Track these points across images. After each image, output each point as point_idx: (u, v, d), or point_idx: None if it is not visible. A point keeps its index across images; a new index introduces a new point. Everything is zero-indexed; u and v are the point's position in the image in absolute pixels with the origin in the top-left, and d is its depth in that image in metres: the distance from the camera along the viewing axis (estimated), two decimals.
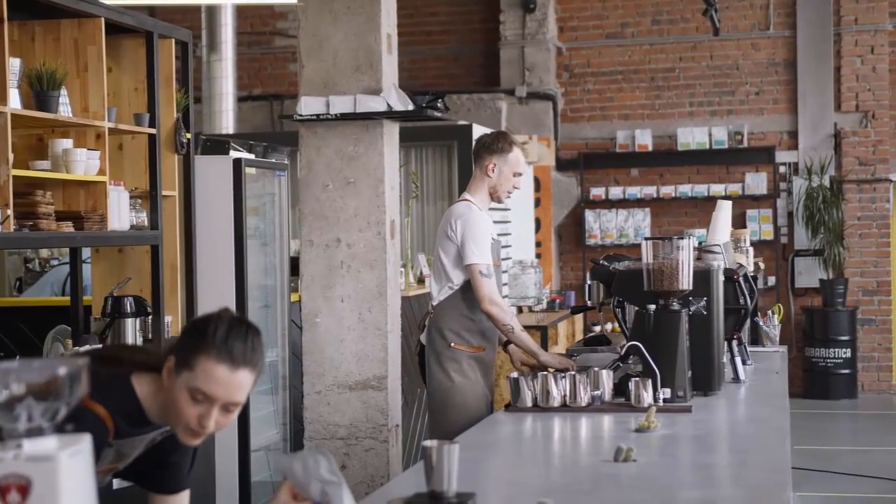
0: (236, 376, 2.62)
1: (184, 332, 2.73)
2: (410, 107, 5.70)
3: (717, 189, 12.68)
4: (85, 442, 1.75)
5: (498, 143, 5.34)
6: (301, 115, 5.74)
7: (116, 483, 4.52)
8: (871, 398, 12.54)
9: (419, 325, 5.57)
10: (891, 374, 12.81)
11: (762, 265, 10.96)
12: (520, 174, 5.36)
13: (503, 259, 6.42)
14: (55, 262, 8.31)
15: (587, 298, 5.26)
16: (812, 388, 12.44)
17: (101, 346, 5.14)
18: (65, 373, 1.74)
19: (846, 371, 12.39)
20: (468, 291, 5.22)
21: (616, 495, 3.02)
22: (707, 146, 12.85)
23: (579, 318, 11.06)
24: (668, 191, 12.89)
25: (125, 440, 2.75)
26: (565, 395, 4.28)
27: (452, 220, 5.24)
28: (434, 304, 5.36)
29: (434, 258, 5.40)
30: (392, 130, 5.89)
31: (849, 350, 12.36)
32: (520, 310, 10.29)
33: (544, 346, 8.88)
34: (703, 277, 4.56)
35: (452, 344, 5.26)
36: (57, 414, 1.75)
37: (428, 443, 2.74)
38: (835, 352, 12.33)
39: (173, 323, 5.94)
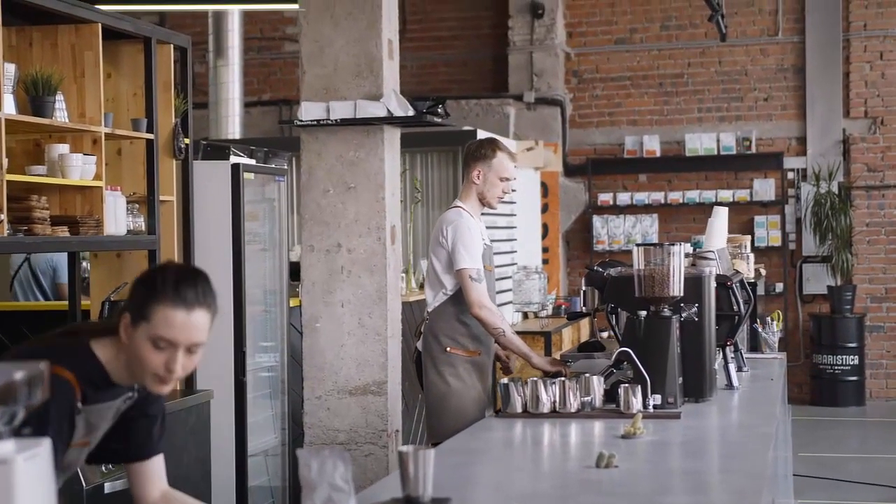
0: (192, 318, 2.69)
1: (133, 289, 2.80)
2: (410, 112, 5.71)
3: (725, 195, 12.66)
4: (43, 446, 1.76)
5: (482, 149, 5.42)
6: (301, 121, 5.76)
7: (108, 487, 4.56)
8: (879, 405, 12.49)
9: (415, 331, 5.61)
10: None
11: (763, 271, 10.94)
12: (507, 179, 5.41)
13: (500, 266, 6.46)
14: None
15: (583, 304, 5.26)
16: (819, 395, 12.41)
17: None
18: (22, 377, 1.75)
19: (854, 378, 12.35)
20: (462, 296, 5.27)
21: (592, 501, 3.03)
22: (715, 152, 12.84)
23: (585, 323, 11.05)
24: (676, 197, 12.88)
25: (93, 407, 2.81)
26: (555, 402, 4.29)
27: (444, 227, 5.32)
28: (429, 310, 5.43)
29: (428, 265, 5.46)
30: (393, 136, 5.90)
31: (857, 357, 12.33)
32: (525, 315, 10.29)
33: (547, 352, 8.89)
34: (694, 284, 4.55)
35: (448, 349, 5.32)
36: (14, 418, 1.77)
37: (403, 448, 2.76)
38: (842, 359, 12.30)
39: None
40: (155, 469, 3.04)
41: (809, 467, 9.03)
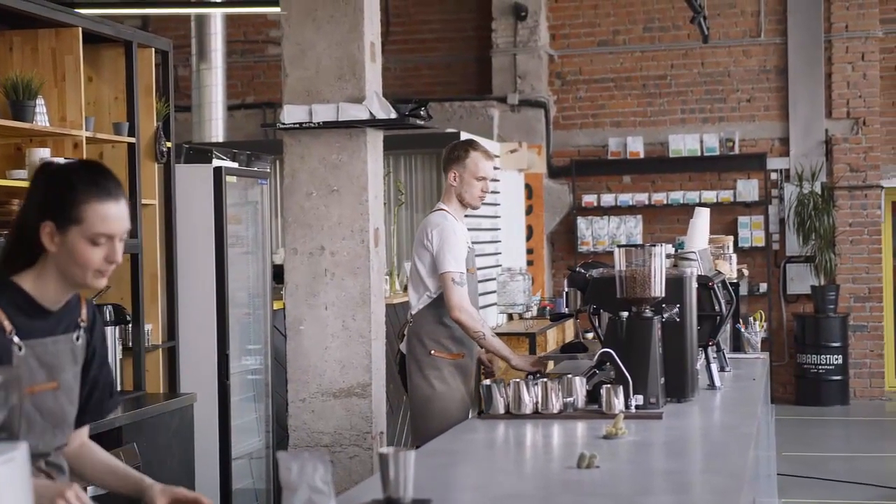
0: (121, 208, 2.76)
1: (44, 196, 2.76)
2: (393, 115, 5.71)
3: (709, 196, 12.69)
4: (20, 450, 1.76)
5: (455, 151, 5.50)
6: (284, 124, 5.75)
7: (91, 490, 4.54)
8: (863, 404, 12.54)
9: (398, 334, 5.62)
10: (882, 380, 12.81)
11: (746, 272, 10.97)
12: (483, 178, 5.44)
13: (484, 267, 6.48)
14: None
15: (565, 305, 5.29)
16: (804, 394, 12.45)
17: None
18: None
19: (838, 377, 12.39)
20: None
21: (575, 501, 3.04)
22: (699, 153, 12.88)
23: (570, 324, 11.06)
24: (659, 198, 12.91)
25: (36, 342, 2.76)
26: (537, 402, 4.29)
27: (428, 230, 5.36)
28: (413, 312, 5.47)
29: (411, 267, 5.48)
30: (375, 139, 5.90)
31: (840, 356, 12.37)
32: (509, 317, 10.30)
33: (532, 353, 8.89)
34: (676, 284, 4.57)
35: (432, 352, 5.35)
36: None
37: (384, 450, 2.77)
38: (826, 358, 12.34)
39: (153, 331, 5.96)
40: (86, 430, 3.06)
41: (794, 466, 9.06)
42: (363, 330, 5.74)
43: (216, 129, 11.05)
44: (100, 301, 5.59)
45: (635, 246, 4.50)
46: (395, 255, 9.17)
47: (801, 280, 12.71)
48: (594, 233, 13.03)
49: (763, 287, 12.69)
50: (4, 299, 2.73)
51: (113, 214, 2.73)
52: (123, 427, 5.25)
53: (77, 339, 2.88)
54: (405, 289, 8.67)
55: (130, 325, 5.74)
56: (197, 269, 6.31)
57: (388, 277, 8.28)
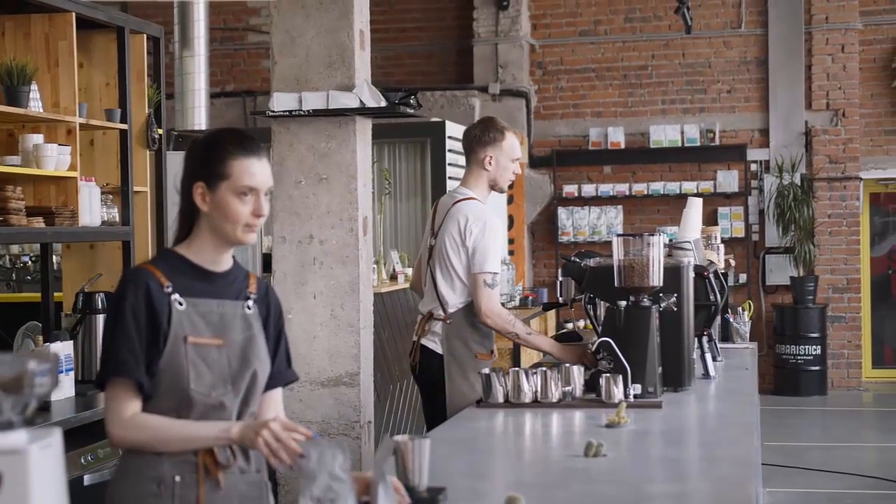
0: (263, 163, 2.96)
1: (195, 159, 2.97)
2: (383, 103, 5.70)
3: (689, 186, 12.74)
4: (55, 436, 1.75)
5: (489, 133, 5.10)
6: (273, 112, 5.73)
7: (88, 479, 4.53)
8: (841, 395, 12.63)
9: (416, 330, 5.21)
10: (860, 370, 12.91)
11: (733, 262, 11.02)
12: (517, 159, 5.16)
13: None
14: (26, 258, 8.28)
15: (559, 295, 5.25)
16: (782, 384, 12.53)
17: None
18: (34, 367, 1.74)
19: (816, 368, 12.48)
20: None
21: (585, 489, 3.04)
22: (679, 144, 12.92)
23: (552, 314, 11.09)
24: (640, 188, 12.95)
25: (198, 300, 2.92)
26: (536, 392, 4.30)
27: (467, 224, 5.01)
28: (450, 310, 5.06)
29: (441, 262, 5.08)
30: (364, 127, 5.89)
31: (819, 347, 12.45)
32: None
33: (516, 343, 8.86)
34: (673, 274, 4.58)
35: (478, 354, 5.08)
36: (27, 408, 1.75)
37: (399, 438, 2.76)
38: (805, 349, 12.42)
39: None
40: (277, 397, 3.14)
41: (773, 456, 9.12)
42: (352, 319, 5.74)
43: (199, 116, 10.97)
44: (92, 289, 5.55)
45: (633, 235, 4.51)
46: (382, 244, 9.15)
47: (780, 271, 12.78)
48: (575, 223, 13.06)
49: (743, 278, 12.76)
50: (163, 263, 2.93)
51: (257, 169, 2.92)
52: None
53: (248, 308, 3.01)
54: (392, 278, 8.65)
55: None
56: None
57: (374, 266, 8.26)
